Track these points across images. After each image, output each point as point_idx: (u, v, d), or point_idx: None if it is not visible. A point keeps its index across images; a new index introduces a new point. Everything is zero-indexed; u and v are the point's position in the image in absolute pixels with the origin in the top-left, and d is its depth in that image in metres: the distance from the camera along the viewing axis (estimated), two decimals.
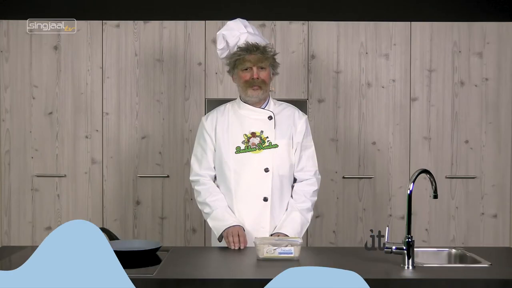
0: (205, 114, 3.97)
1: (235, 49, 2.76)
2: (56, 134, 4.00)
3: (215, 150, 2.79)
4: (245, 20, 2.87)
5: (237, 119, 2.79)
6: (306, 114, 3.05)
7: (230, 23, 2.83)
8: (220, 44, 2.82)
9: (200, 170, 2.80)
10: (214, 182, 2.81)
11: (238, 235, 2.58)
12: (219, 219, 2.68)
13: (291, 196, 2.80)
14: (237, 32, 2.78)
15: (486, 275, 2.08)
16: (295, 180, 2.83)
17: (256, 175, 2.71)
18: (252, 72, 2.72)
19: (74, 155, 4.00)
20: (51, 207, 4.00)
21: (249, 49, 2.72)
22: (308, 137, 2.85)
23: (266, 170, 2.71)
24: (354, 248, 2.83)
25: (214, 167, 2.80)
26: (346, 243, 3.99)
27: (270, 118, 2.77)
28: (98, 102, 4.00)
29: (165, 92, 4.00)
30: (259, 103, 2.79)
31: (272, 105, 2.83)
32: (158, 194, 4.01)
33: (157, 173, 4.00)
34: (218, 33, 2.83)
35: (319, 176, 2.88)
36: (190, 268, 2.16)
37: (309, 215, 2.79)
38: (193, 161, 2.84)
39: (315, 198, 2.85)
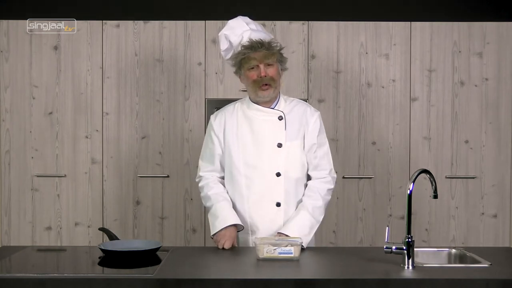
0: (205, 114, 3.97)
1: (239, 48, 2.64)
2: (56, 134, 4.00)
3: (223, 153, 2.71)
4: (247, 17, 2.74)
5: (246, 120, 2.69)
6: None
7: (230, 22, 2.70)
8: (223, 45, 2.69)
9: (205, 172, 2.75)
10: (220, 181, 2.74)
11: (226, 240, 2.54)
12: (216, 216, 2.62)
13: (305, 193, 2.67)
14: (239, 31, 2.66)
15: (486, 275, 2.08)
16: (309, 179, 2.71)
17: (267, 180, 2.62)
18: (259, 70, 2.60)
19: (74, 155, 4.00)
20: (51, 207, 4.00)
21: (254, 46, 2.59)
22: (322, 134, 2.71)
23: (278, 174, 2.62)
24: (354, 248, 2.83)
25: (223, 169, 2.73)
26: (346, 243, 3.99)
27: (280, 118, 2.66)
28: (98, 102, 4.00)
29: (165, 92, 4.00)
30: (269, 102, 2.68)
31: (283, 103, 2.71)
32: (158, 194, 4.01)
33: (157, 173, 4.00)
34: (219, 34, 2.71)
35: (335, 175, 2.73)
36: (190, 268, 2.16)
37: (320, 215, 2.66)
38: (200, 162, 2.78)
39: (329, 198, 2.70)
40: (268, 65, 2.62)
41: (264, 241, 2.31)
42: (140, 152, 4.00)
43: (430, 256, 2.52)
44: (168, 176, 4.00)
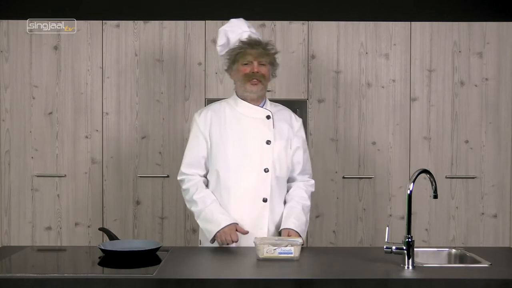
0: None
1: (237, 44, 2.74)
2: (56, 134, 4.00)
3: (208, 150, 2.73)
4: (249, 22, 2.87)
5: (234, 117, 2.74)
6: (303, 115, 3.00)
7: (233, 21, 2.82)
8: (221, 40, 2.80)
9: (188, 170, 2.75)
10: (204, 180, 2.76)
11: (231, 234, 2.59)
12: (210, 220, 2.64)
13: (292, 193, 2.77)
14: (239, 30, 2.77)
15: (486, 275, 2.08)
16: (289, 180, 2.82)
17: (256, 176, 2.67)
18: (253, 66, 2.69)
19: (74, 155, 4.00)
20: (51, 207, 4.00)
21: (252, 43, 2.70)
22: (305, 140, 2.87)
23: (266, 170, 2.68)
24: (354, 248, 2.84)
25: (206, 167, 2.75)
26: (346, 243, 3.99)
27: (268, 117, 2.74)
28: (98, 102, 4.00)
29: (165, 92, 4.00)
30: (257, 100, 2.75)
31: (269, 105, 2.81)
32: (158, 194, 4.01)
33: (157, 173, 4.00)
34: (220, 29, 2.81)
35: (313, 181, 2.90)
36: (190, 268, 2.16)
37: (308, 215, 2.79)
38: (183, 162, 2.78)
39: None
40: (261, 64, 2.72)
41: (264, 241, 2.31)
42: (140, 152, 4.00)
43: (430, 256, 2.52)
44: (168, 176, 4.00)
